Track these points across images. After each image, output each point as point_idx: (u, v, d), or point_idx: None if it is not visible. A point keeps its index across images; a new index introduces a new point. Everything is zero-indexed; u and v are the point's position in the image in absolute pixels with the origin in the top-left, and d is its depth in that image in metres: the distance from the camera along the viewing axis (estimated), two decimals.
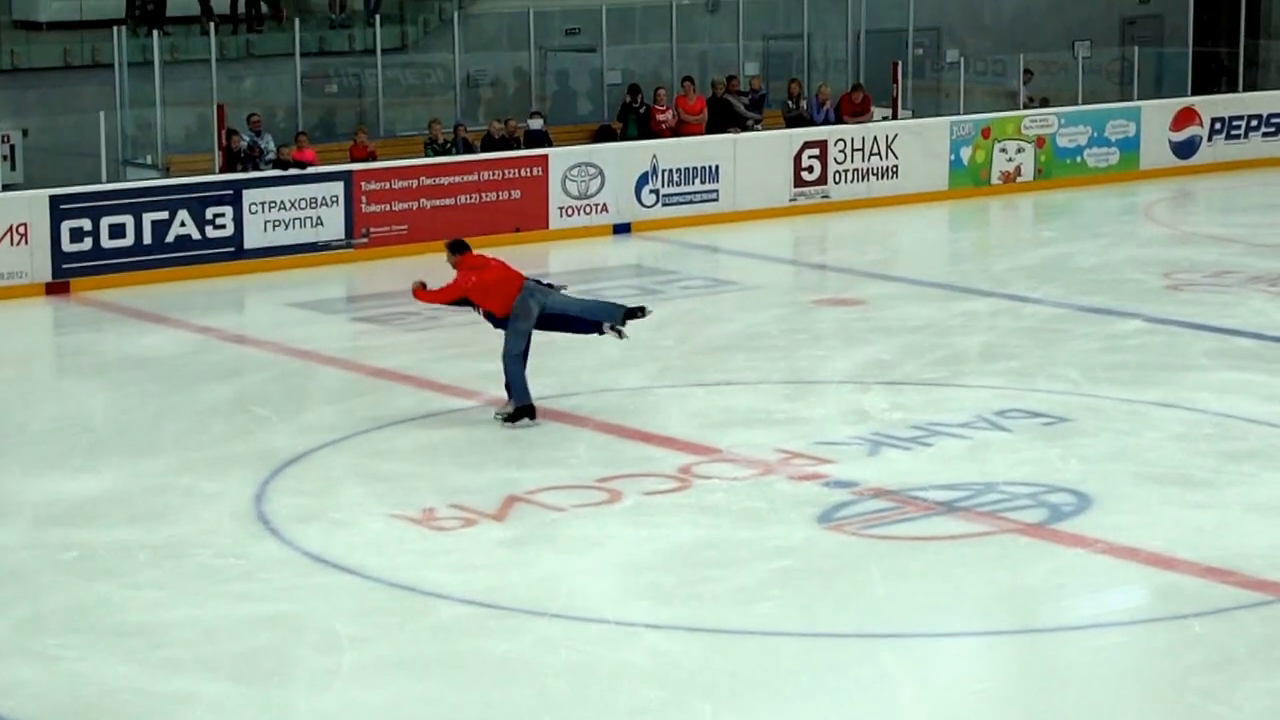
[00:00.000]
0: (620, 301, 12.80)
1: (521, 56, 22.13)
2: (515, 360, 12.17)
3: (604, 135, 21.54)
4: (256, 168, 18.72)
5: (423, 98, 21.78)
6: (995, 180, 22.45)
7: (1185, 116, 23.83)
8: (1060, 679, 8.43)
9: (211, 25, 20.51)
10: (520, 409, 12.26)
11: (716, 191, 20.71)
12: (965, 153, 22.22)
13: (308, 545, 10.12)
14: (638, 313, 12.43)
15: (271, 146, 18.99)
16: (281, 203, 18.27)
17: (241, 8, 22.15)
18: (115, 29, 20.25)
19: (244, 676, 8.39)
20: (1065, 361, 14.08)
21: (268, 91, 20.95)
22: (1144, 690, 8.36)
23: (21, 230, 17.05)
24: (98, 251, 17.43)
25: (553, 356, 14.01)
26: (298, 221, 18.36)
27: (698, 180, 20.52)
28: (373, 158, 19.33)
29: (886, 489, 10.99)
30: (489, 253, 12.84)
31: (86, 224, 17.35)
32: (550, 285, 12.55)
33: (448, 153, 19.68)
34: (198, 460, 11.76)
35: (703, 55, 23.67)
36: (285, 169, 18.48)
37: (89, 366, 15.19)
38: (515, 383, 12.19)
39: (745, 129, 21.48)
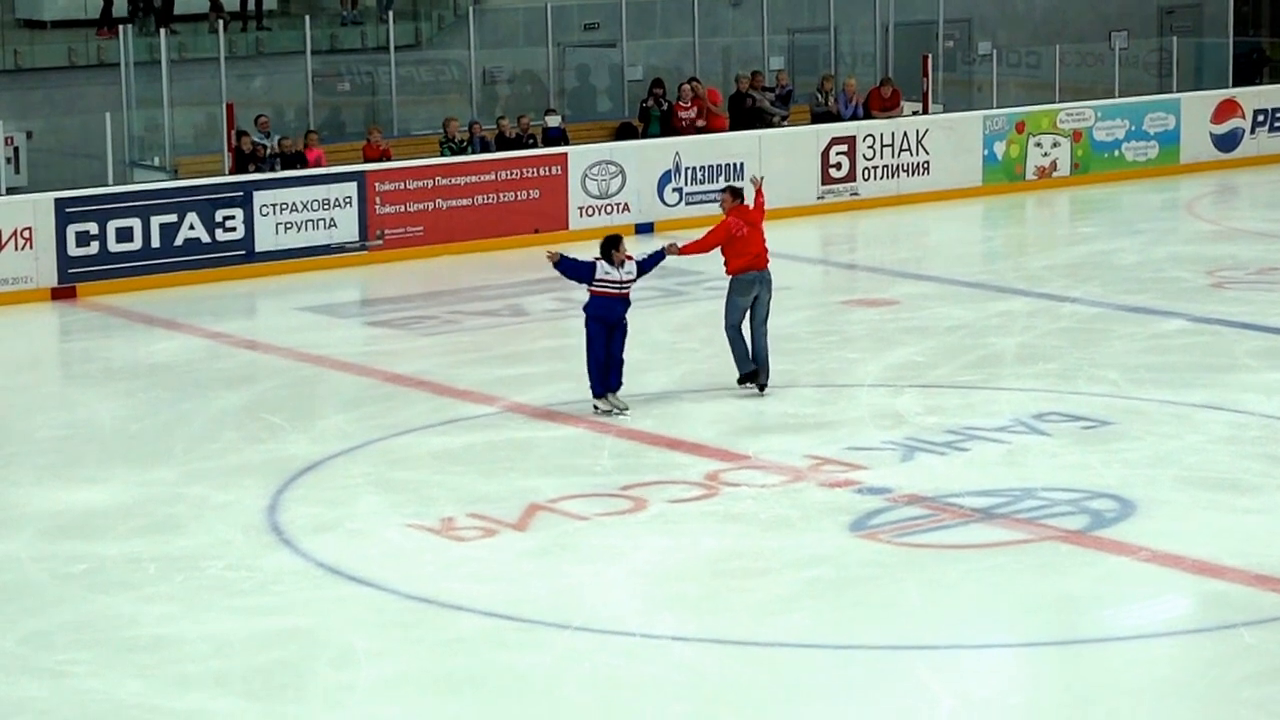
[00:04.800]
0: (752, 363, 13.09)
1: (539, 52, 21.95)
2: (731, 329, 12.93)
3: (625, 133, 21.33)
4: (272, 168, 18.53)
5: (437, 96, 21.65)
6: (1030, 176, 22.27)
7: (1227, 108, 23.57)
8: (1104, 692, 8.24)
9: (220, 23, 20.35)
10: (743, 376, 12.94)
11: (742, 190, 20.43)
12: (999, 148, 22.05)
13: (323, 556, 9.98)
14: (751, 378, 12.98)
15: (278, 147, 18.79)
16: (293, 204, 18.11)
17: (251, 5, 21.99)
18: (121, 27, 20.13)
19: (258, 693, 8.27)
20: (1106, 363, 13.91)
21: (278, 90, 20.84)
22: (1192, 703, 8.19)
23: (26, 234, 16.94)
24: (105, 255, 17.30)
25: (573, 360, 13.82)
26: (310, 223, 18.21)
27: (722, 178, 20.29)
28: (386, 157, 19.17)
29: (921, 495, 10.82)
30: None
31: (93, 227, 17.23)
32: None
33: (464, 151, 19.46)
34: (209, 469, 11.63)
35: (726, 50, 23.51)
36: (291, 155, 18.26)
37: (97, 373, 15.08)
38: (732, 350, 12.91)
39: (771, 125, 21.24)
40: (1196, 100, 23.49)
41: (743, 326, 13.01)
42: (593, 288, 12.48)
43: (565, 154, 19.59)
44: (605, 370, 12.52)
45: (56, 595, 9.50)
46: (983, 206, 21.65)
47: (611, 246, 12.54)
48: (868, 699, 8.20)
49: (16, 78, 20.45)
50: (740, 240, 12.99)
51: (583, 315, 12.68)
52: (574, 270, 12.55)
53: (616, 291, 12.48)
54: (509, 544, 10.16)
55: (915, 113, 22.09)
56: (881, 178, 21.29)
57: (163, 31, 19.96)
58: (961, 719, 7.95)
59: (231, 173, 18.47)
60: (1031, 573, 9.65)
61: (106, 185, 17.78)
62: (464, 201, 18.95)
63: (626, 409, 12.52)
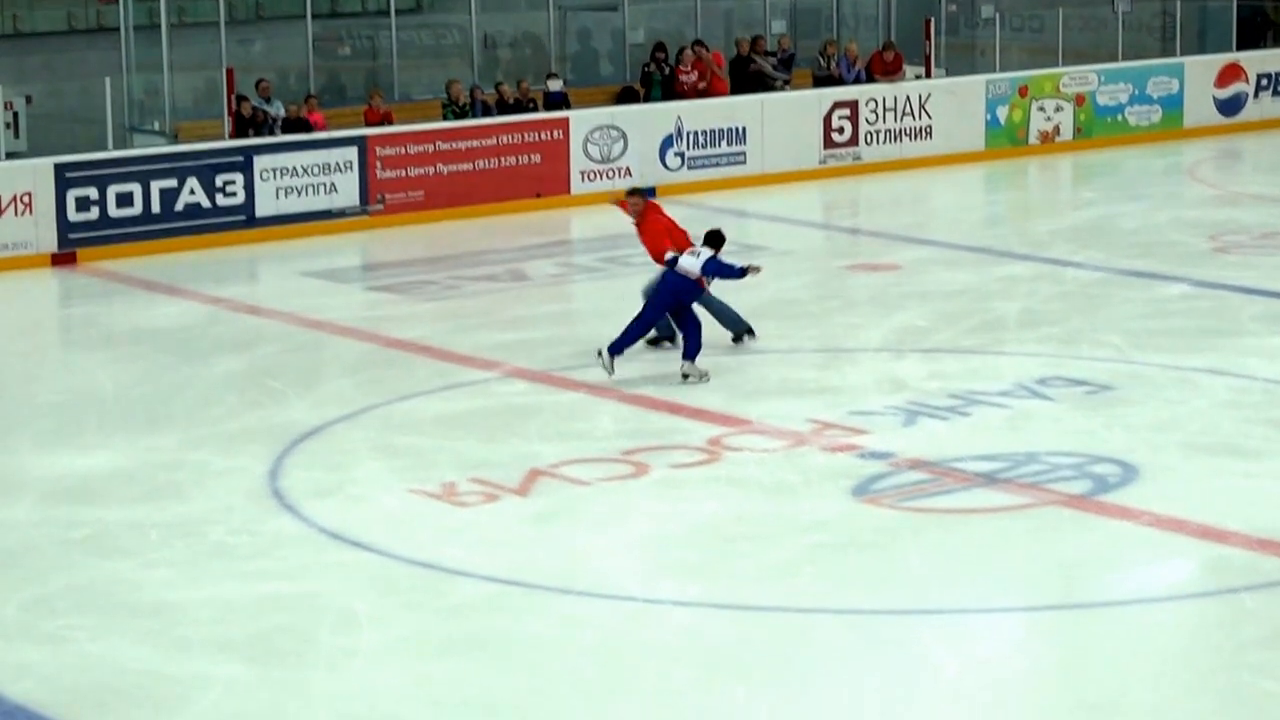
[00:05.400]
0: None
1: (540, 16, 21.81)
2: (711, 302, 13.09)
3: (627, 97, 21.21)
4: (271, 133, 18.44)
5: (438, 60, 21.48)
6: (1033, 140, 22.16)
7: (1230, 72, 23.43)
8: (1106, 656, 8.23)
9: None
10: (744, 331, 13.26)
11: (744, 154, 20.40)
12: (1002, 112, 21.92)
13: (324, 522, 9.94)
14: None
15: (281, 113, 18.69)
16: (294, 169, 18.02)
17: None
18: None
19: (260, 658, 8.24)
20: (1108, 327, 13.85)
21: (278, 54, 20.69)
22: (1193, 667, 8.17)
23: (26, 199, 16.84)
24: (105, 221, 17.20)
25: (575, 324, 13.78)
26: (311, 188, 18.11)
27: (724, 142, 20.22)
28: (388, 121, 19.06)
29: (924, 460, 10.77)
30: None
31: (93, 193, 17.13)
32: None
33: (466, 115, 19.36)
34: (210, 435, 11.58)
35: (727, 14, 23.35)
36: (295, 121, 18.16)
37: (97, 339, 15.00)
38: (719, 318, 13.17)
39: (773, 89, 21.13)
40: (1200, 64, 23.35)
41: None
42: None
43: (567, 118, 19.48)
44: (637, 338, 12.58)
45: (58, 561, 9.46)
46: (985, 171, 21.54)
47: (723, 240, 12.67)
48: (870, 663, 8.17)
49: (16, 42, 20.29)
50: (675, 232, 12.94)
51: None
52: (727, 271, 12.63)
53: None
54: (510, 509, 10.11)
55: (918, 77, 21.97)
56: (884, 142, 21.18)
57: None
58: (964, 683, 7.93)
59: (232, 138, 18.38)
60: (1034, 537, 9.62)
61: (106, 150, 17.67)
62: (465, 166, 18.85)
63: (706, 376, 12.43)
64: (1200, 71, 23.28)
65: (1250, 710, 7.68)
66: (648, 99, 20.96)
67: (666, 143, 19.95)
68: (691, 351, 12.47)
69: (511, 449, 11.11)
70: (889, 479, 10.46)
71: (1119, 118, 22.69)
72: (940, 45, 22.73)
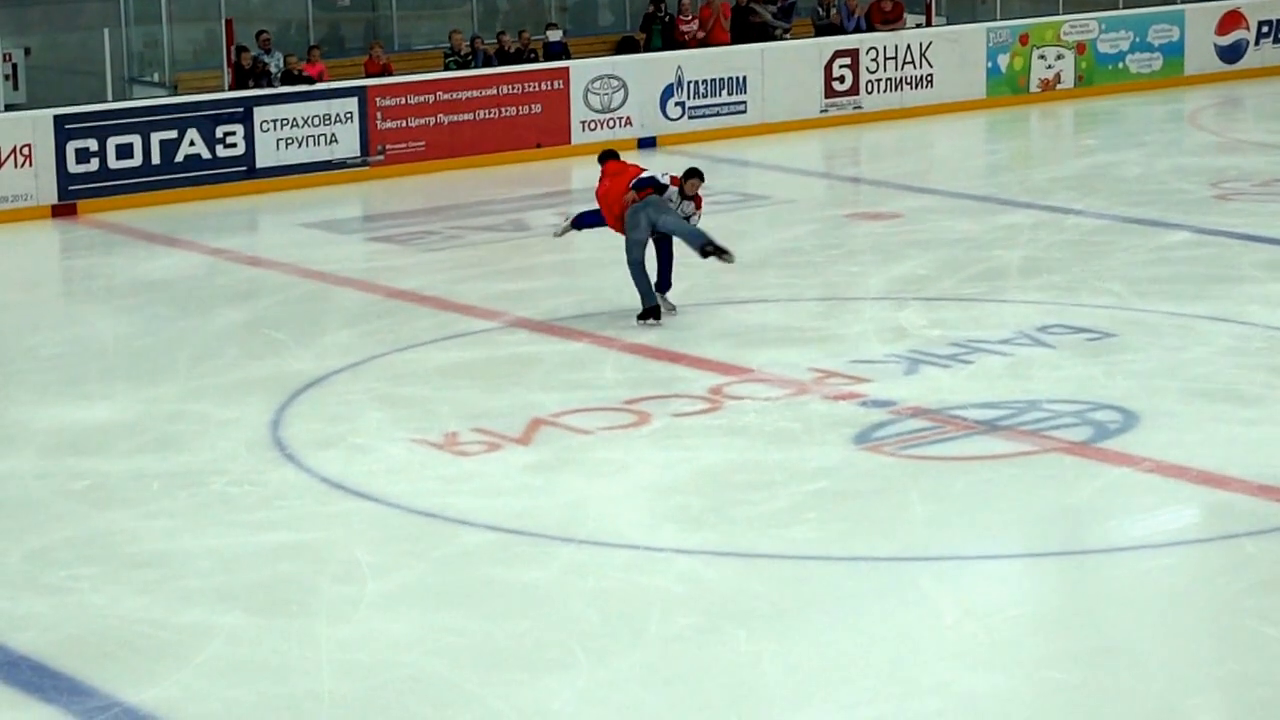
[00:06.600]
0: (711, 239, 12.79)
1: None
2: (634, 266, 12.57)
3: (626, 46, 21.12)
4: (271, 85, 18.37)
5: (438, 10, 21.40)
6: (1034, 88, 22.07)
7: (1231, 20, 23.34)
8: (1107, 602, 8.24)
9: None
10: (646, 310, 12.58)
11: (744, 103, 20.33)
12: (1003, 60, 21.83)
13: (327, 472, 9.94)
14: (720, 254, 12.64)
15: (282, 65, 18.61)
16: (294, 120, 17.97)
17: None
18: None
19: (262, 607, 8.25)
20: (1109, 275, 13.83)
21: (278, 5, 20.62)
22: (1195, 613, 8.16)
23: (26, 151, 16.81)
24: (105, 172, 17.18)
25: (576, 274, 13.76)
26: (311, 139, 18.08)
27: (725, 92, 20.15)
28: (387, 72, 18.99)
29: (925, 408, 10.77)
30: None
31: (93, 144, 17.09)
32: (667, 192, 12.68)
33: (467, 65, 19.29)
34: (212, 386, 11.59)
35: None
36: (294, 76, 18.11)
37: (98, 290, 15.00)
38: (636, 286, 12.60)
39: (773, 38, 21.04)
40: (1201, 12, 23.24)
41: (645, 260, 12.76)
42: None
43: (567, 68, 19.42)
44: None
45: (60, 512, 9.47)
46: (986, 119, 21.47)
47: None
48: (871, 610, 8.18)
49: None
50: (606, 197, 12.72)
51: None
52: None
53: None
54: (512, 458, 10.11)
55: (918, 25, 21.88)
56: (885, 91, 21.10)
57: None
58: (964, 630, 7.93)
59: (231, 89, 18.34)
60: (1035, 484, 9.62)
61: (106, 102, 17.63)
62: (465, 116, 18.80)
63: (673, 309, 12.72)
64: (1201, 19, 23.18)
65: (1251, 655, 7.69)
66: (649, 46, 20.88)
67: (667, 92, 19.88)
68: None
69: (513, 398, 11.11)
70: (890, 427, 10.45)
71: (1120, 65, 22.61)
72: None
